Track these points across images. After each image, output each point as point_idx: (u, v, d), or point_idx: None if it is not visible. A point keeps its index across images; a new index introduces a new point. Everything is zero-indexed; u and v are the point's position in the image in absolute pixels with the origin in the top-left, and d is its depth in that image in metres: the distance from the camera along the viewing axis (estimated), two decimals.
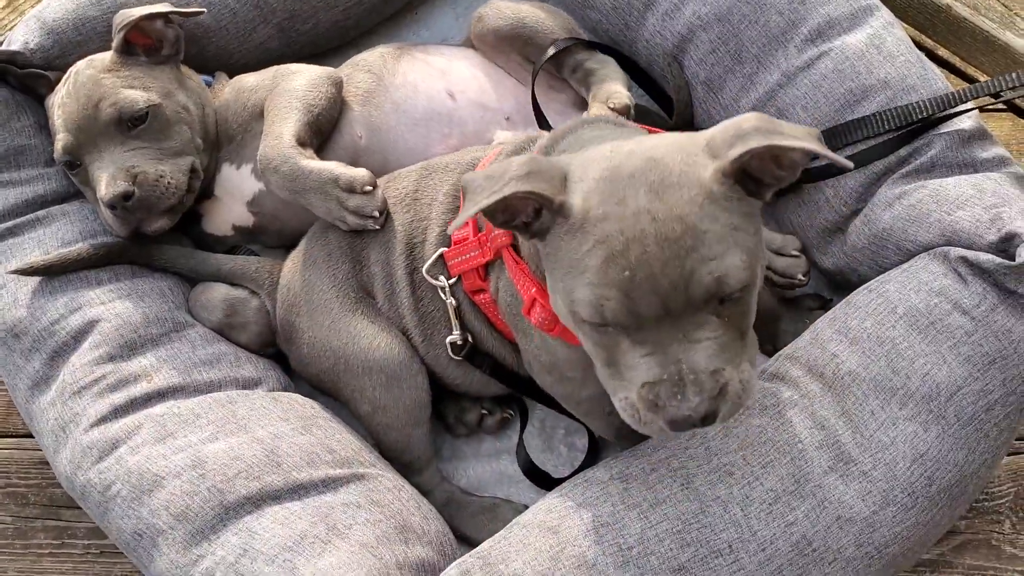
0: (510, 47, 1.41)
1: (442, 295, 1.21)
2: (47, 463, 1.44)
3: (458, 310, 1.22)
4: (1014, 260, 1.09)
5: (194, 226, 1.40)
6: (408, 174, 1.29)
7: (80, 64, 1.30)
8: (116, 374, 1.22)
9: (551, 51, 1.37)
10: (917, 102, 1.23)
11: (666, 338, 0.86)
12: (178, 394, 1.22)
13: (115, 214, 1.25)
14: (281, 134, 1.26)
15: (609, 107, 1.31)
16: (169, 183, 1.25)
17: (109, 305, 1.27)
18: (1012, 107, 1.59)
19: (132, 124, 1.26)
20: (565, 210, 0.89)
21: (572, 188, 0.90)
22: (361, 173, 1.23)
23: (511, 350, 1.24)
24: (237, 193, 1.36)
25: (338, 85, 1.35)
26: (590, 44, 1.42)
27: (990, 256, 1.10)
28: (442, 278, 1.21)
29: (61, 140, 1.27)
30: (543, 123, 1.38)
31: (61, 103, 1.28)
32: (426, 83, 1.38)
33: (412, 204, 1.25)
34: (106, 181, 1.23)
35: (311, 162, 1.24)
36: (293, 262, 1.33)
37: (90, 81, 1.27)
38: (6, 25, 1.66)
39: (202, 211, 1.39)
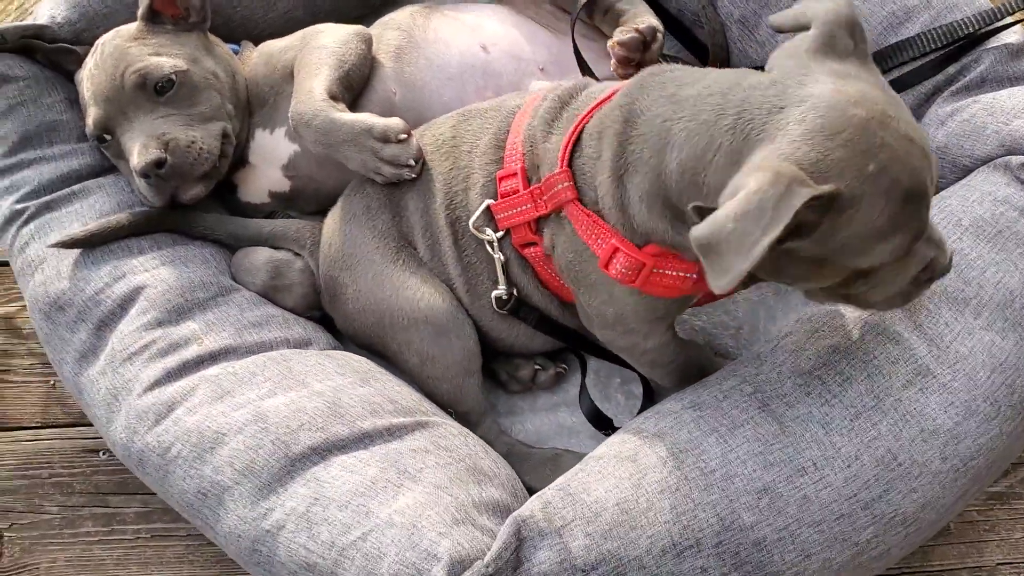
0: None
1: (489, 249, 1.19)
2: (92, 451, 1.44)
3: (505, 265, 1.19)
4: None
5: (230, 196, 1.39)
6: (444, 121, 1.26)
7: (107, 36, 1.29)
8: (166, 339, 1.21)
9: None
10: (962, 19, 1.22)
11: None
12: (230, 355, 1.21)
13: (149, 183, 1.24)
14: (312, 89, 1.24)
15: (635, 28, 1.30)
16: (201, 148, 1.24)
17: (153, 272, 1.26)
18: None
19: (160, 90, 1.25)
20: (841, 196, 0.84)
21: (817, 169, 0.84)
22: (395, 121, 1.21)
23: (557, 304, 1.23)
24: (272, 158, 1.35)
25: (368, 41, 1.34)
26: None
27: None
28: (489, 231, 1.18)
29: (91, 114, 1.26)
30: (585, 70, 1.36)
31: (89, 75, 1.27)
32: (458, 38, 1.37)
33: (451, 152, 1.22)
34: (137, 150, 1.22)
35: (344, 114, 1.22)
36: (333, 219, 1.31)
37: (117, 51, 1.26)
38: (27, 10, 1.66)
39: (237, 180, 1.37)
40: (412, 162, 1.21)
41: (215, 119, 1.28)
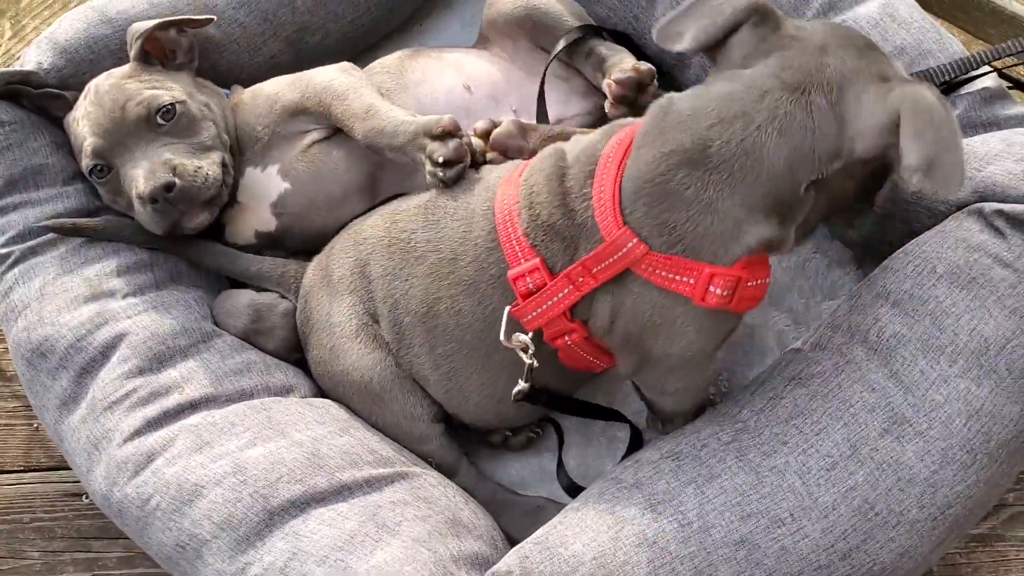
0: (519, 31, 1.41)
1: (523, 356, 1.11)
2: (74, 495, 1.43)
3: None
4: None
5: (217, 237, 1.39)
6: (407, 226, 1.23)
7: (99, 78, 1.30)
8: (147, 387, 1.21)
9: (563, 42, 1.37)
10: (937, 66, 1.22)
11: None
12: (211, 404, 1.21)
13: (155, 208, 1.24)
14: (372, 104, 1.28)
15: (634, 68, 1.31)
16: (207, 174, 1.25)
17: (135, 318, 1.26)
18: (1018, 84, 1.58)
19: (162, 120, 1.26)
20: None
21: None
22: (446, 118, 1.23)
23: (571, 378, 1.21)
24: (262, 195, 1.35)
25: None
26: (602, 32, 1.42)
27: None
28: (523, 337, 1.10)
29: (90, 144, 1.26)
30: (542, 113, 1.38)
31: (85, 113, 1.28)
32: (443, 78, 1.38)
33: (425, 256, 1.20)
34: (144, 176, 1.23)
35: (409, 116, 1.26)
36: (314, 273, 1.31)
37: (113, 89, 1.27)
38: (14, 55, 1.67)
39: (224, 220, 1.37)
40: (453, 162, 1.20)
41: (214, 148, 1.29)
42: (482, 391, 1.20)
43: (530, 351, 1.10)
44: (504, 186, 1.14)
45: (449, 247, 1.16)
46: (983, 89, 1.23)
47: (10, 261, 1.30)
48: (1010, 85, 1.54)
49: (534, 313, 1.09)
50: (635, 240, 1.02)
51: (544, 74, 1.38)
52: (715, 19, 1.04)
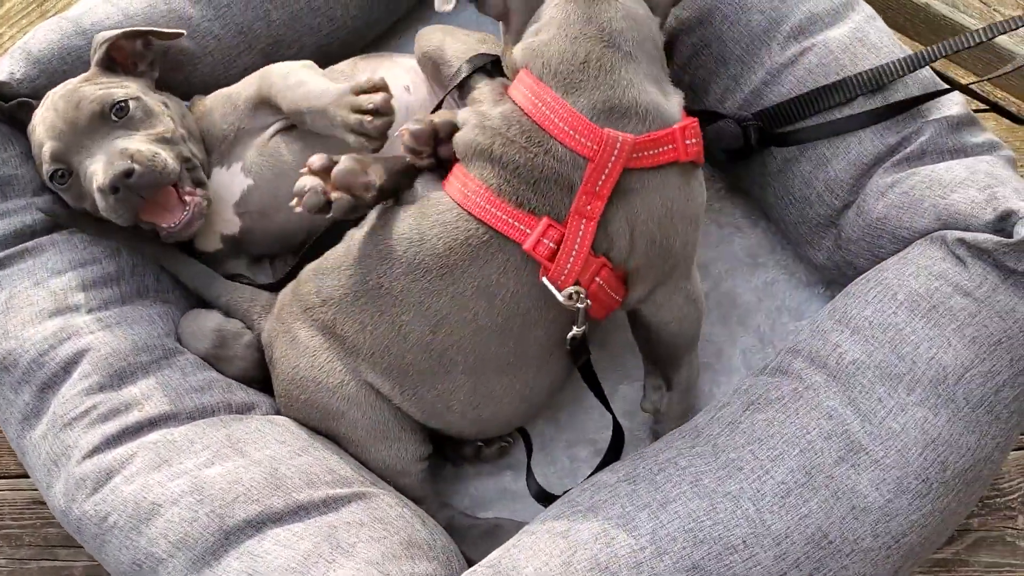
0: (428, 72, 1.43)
1: (575, 327, 1.12)
2: (41, 502, 1.43)
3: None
4: (1011, 238, 1.08)
5: (185, 245, 1.38)
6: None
7: (56, 88, 1.30)
8: (107, 404, 1.20)
9: (454, 80, 1.34)
10: (889, 63, 1.23)
11: None
12: (170, 421, 1.20)
13: (118, 198, 1.22)
14: (304, 80, 1.29)
15: (430, 120, 1.26)
16: (166, 161, 1.24)
17: (98, 334, 1.25)
18: (995, 107, 1.59)
19: (115, 117, 1.26)
20: None
21: None
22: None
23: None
24: (227, 195, 1.35)
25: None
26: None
27: (988, 236, 1.09)
28: (570, 289, 1.09)
29: (47, 148, 1.25)
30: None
31: (41, 119, 1.27)
32: (389, 78, 1.36)
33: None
34: (103, 168, 1.21)
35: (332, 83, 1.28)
36: (274, 327, 1.29)
37: (69, 92, 1.27)
38: None
39: None
40: (382, 111, 1.21)
41: (172, 143, 1.28)
42: (513, 391, 1.19)
43: (582, 294, 1.09)
44: (453, 183, 1.13)
45: (434, 267, 1.12)
46: (950, 116, 1.24)
47: None
48: (986, 108, 1.55)
49: (568, 267, 1.08)
50: (619, 135, 1.06)
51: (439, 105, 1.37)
52: None
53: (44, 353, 1.23)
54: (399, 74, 1.41)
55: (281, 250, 1.37)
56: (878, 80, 1.24)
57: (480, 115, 1.13)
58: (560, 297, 1.08)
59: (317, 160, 1.17)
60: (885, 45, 1.29)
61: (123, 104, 1.26)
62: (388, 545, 1.07)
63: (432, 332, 1.14)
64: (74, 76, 1.34)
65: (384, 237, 1.16)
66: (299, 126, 1.31)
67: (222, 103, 1.36)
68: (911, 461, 1.03)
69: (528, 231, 1.08)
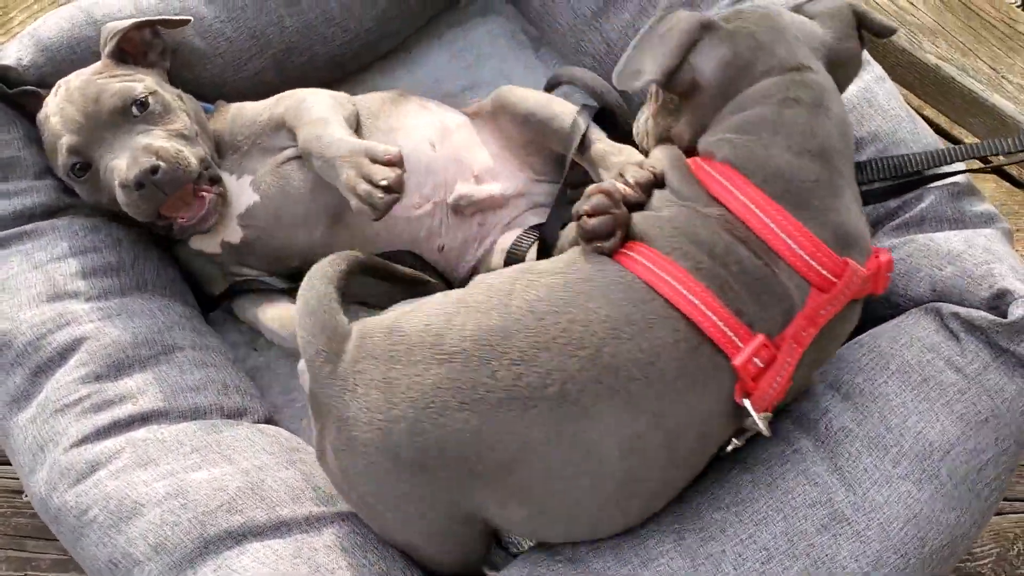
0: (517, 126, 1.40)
1: (765, 429, 0.99)
2: (12, 491, 1.42)
3: None
4: (1006, 317, 1.09)
5: (182, 243, 1.38)
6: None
7: (69, 76, 1.30)
8: (101, 394, 1.19)
9: (574, 146, 1.32)
10: (908, 155, 1.24)
11: None
12: (162, 419, 1.20)
13: (142, 194, 1.22)
14: (328, 120, 1.28)
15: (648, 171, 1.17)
16: (188, 159, 1.24)
17: (99, 323, 1.24)
18: (996, 169, 1.61)
19: (136, 112, 1.25)
20: None
21: None
22: (391, 147, 1.22)
23: None
24: (233, 203, 1.34)
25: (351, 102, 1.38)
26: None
27: (982, 313, 1.10)
28: (766, 416, 0.98)
29: (66, 142, 1.25)
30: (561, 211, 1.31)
31: (57, 110, 1.26)
32: (416, 131, 1.37)
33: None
34: (128, 163, 1.21)
35: (348, 136, 1.26)
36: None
37: (84, 84, 1.26)
38: None
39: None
40: (393, 188, 1.18)
41: (190, 140, 1.28)
42: (656, 506, 1.05)
43: (770, 419, 0.99)
44: (652, 268, 0.97)
45: (638, 375, 0.93)
46: (952, 184, 1.25)
47: None
48: (987, 169, 1.56)
49: (770, 392, 0.97)
50: (858, 268, 0.98)
51: (564, 183, 1.34)
52: (669, 46, 1.03)
53: (41, 337, 1.22)
54: (426, 125, 1.39)
55: (277, 268, 1.36)
56: (895, 169, 1.23)
57: (685, 201, 1.01)
58: (761, 424, 0.97)
59: None
60: (892, 108, 1.30)
61: (144, 100, 1.26)
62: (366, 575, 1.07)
63: (621, 458, 0.95)
64: (82, 66, 1.33)
65: (554, 319, 0.95)
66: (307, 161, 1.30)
67: (245, 115, 1.36)
68: (892, 535, 1.04)
69: (741, 345, 0.95)
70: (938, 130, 1.65)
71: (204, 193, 1.27)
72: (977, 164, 1.36)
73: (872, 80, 1.32)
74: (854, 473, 1.07)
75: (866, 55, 1.33)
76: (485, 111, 1.43)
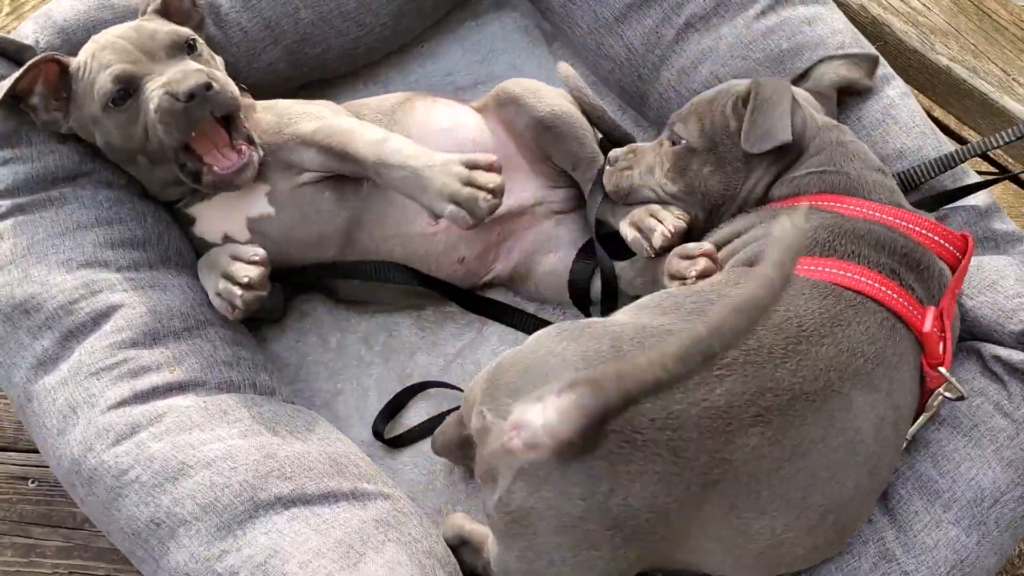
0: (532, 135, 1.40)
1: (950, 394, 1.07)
2: (19, 478, 1.42)
3: None
4: None
5: (187, 228, 1.36)
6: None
7: (109, 29, 1.27)
8: (138, 360, 1.18)
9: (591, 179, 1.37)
10: (923, 164, 1.26)
11: None
12: (199, 389, 1.19)
13: (187, 108, 1.18)
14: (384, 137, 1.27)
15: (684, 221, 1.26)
16: (235, 90, 1.23)
17: (132, 292, 1.23)
18: (1005, 171, 1.62)
19: (189, 49, 1.25)
20: None
21: None
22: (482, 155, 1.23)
23: None
24: (242, 202, 1.32)
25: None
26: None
27: (1022, 355, 1.12)
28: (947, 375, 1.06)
29: (115, 70, 1.21)
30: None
31: (108, 44, 1.23)
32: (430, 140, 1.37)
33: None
34: (183, 76, 1.19)
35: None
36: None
37: (135, 26, 1.26)
38: (10, 31, 1.62)
39: (197, 212, 1.34)
40: (498, 192, 1.20)
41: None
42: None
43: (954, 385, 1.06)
44: (837, 273, 1.06)
45: (816, 374, 0.98)
46: (976, 206, 1.26)
47: (1, 212, 1.26)
48: (996, 173, 1.57)
49: (946, 358, 1.06)
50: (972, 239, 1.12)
51: (593, 216, 1.36)
52: (784, 111, 1.15)
53: (74, 302, 1.20)
54: (439, 132, 1.39)
55: (275, 269, 1.32)
56: (912, 182, 1.26)
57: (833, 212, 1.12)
58: (954, 382, 1.05)
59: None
60: (916, 124, 1.31)
61: (194, 41, 1.25)
62: (412, 552, 1.09)
63: (874, 440, 1.01)
64: None
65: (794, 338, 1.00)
66: (374, 178, 1.27)
67: (270, 119, 1.32)
68: None
69: (920, 317, 1.05)
70: (946, 130, 1.67)
71: (245, 147, 1.24)
72: (981, 164, 1.37)
73: (897, 97, 1.33)
74: (905, 515, 1.10)
75: (884, 64, 1.35)
76: (490, 106, 1.43)
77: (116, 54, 1.22)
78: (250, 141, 1.26)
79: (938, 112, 1.67)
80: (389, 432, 1.38)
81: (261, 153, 1.26)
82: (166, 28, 1.25)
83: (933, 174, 1.25)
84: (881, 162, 1.19)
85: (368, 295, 1.42)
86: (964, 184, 1.27)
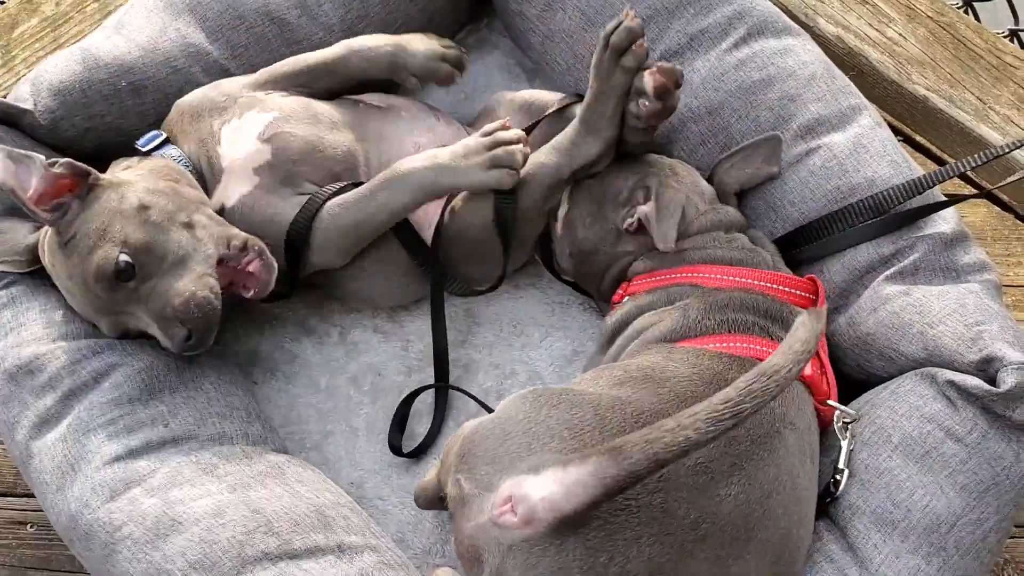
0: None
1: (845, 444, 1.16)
2: (19, 523, 1.43)
3: None
4: (995, 383, 1.11)
5: None
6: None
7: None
8: (133, 415, 1.21)
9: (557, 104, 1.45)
10: (888, 189, 1.27)
11: None
12: (192, 443, 1.22)
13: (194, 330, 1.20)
14: None
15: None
16: (204, 296, 1.21)
17: (132, 350, 1.26)
18: (989, 196, 1.63)
19: (123, 278, 1.20)
20: None
21: None
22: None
23: None
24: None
25: None
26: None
27: (977, 381, 1.12)
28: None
29: (104, 327, 1.25)
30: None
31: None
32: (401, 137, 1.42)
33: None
34: (163, 339, 1.22)
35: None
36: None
37: (65, 270, 1.24)
38: (2, 85, 1.64)
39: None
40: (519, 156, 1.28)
41: (189, 257, 1.22)
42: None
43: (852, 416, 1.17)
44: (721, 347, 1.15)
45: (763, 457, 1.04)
46: (943, 233, 1.26)
47: (7, 280, 1.29)
48: (977, 194, 1.58)
49: (826, 386, 1.19)
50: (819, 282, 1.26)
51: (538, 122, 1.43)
52: (675, 218, 1.28)
53: (77, 363, 1.23)
54: (411, 131, 1.42)
55: None
56: (879, 208, 1.27)
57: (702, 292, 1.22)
58: (844, 408, 1.16)
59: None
60: (888, 153, 1.32)
61: (125, 267, 1.18)
62: None
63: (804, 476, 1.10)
64: (93, 108, 1.36)
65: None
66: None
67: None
68: None
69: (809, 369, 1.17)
70: (929, 155, 1.67)
71: (249, 268, 1.25)
72: (951, 187, 1.38)
73: (869, 126, 1.34)
74: (865, 549, 1.11)
75: (856, 94, 1.37)
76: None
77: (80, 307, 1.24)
78: (259, 255, 1.25)
79: (920, 138, 1.68)
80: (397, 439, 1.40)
81: (272, 260, 1.26)
82: (90, 271, 1.18)
83: (901, 200, 1.27)
84: (761, 234, 1.35)
85: (368, 295, 1.45)
86: (928, 204, 1.28)
